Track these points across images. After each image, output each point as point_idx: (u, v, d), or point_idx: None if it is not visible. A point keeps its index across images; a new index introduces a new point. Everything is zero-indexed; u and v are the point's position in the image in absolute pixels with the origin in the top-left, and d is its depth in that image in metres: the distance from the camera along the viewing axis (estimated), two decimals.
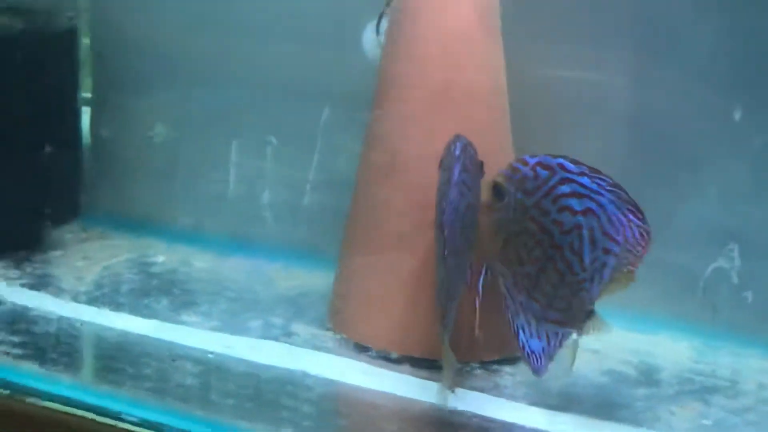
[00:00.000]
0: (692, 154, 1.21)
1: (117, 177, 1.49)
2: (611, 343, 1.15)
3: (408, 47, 1.16)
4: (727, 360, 1.18)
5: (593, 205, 0.98)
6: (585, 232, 0.99)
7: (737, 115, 1.17)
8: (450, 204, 1.01)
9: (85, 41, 1.48)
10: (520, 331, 1.02)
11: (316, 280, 1.30)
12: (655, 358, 1.18)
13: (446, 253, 1.01)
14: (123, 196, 1.49)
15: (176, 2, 1.43)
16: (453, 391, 1.03)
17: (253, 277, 1.36)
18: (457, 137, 1.04)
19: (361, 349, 1.15)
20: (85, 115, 1.50)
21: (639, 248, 0.99)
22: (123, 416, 0.99)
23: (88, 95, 1.50)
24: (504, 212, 1.02)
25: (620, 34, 1.23)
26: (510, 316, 1.03)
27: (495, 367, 1.13)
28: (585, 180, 0.99)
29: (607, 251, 0.99)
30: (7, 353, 1.10)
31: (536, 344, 1.02)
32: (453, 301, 1.03)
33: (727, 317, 1.20)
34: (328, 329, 1.20)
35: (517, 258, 1.02)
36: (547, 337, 1.02)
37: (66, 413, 1.00)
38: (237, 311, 1.24)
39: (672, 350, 1.19)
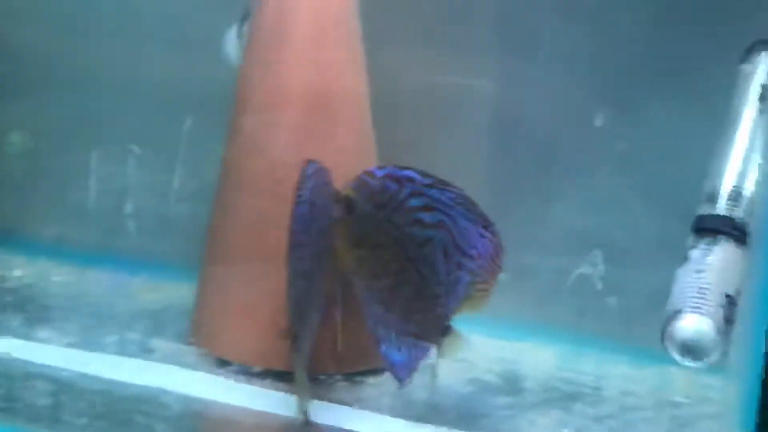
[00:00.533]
0: (557, 160, 1.22)
1: None
2: (477, 351, 1.15)
3: (269, 52, 1.15)
4: (591, 367, 1.19)
5: (445, 219, 0.98)
6: (438, 246, 0.99)
7: (599, 121, 1.19)
8: (298, 225, 1.00)
9: None
10: (381, 343, 1.02)
11: (181, 293, 1.27)
12: (520, 365, 1.19)
13: (294, 275, 1.00)
14: None
15: (34, 7, 1.41)
16: (306, 414, 1.02)
17: (115, 290, 1.33)
18: (310, 161, 1.03)
19: (222, 363, 1.13)
20: None
21: (492, 263, 0.99)
22: None
23: None
24: (356, 226, 1.02)
25: (485, 39, 1.24)
26: (370, 327, 1.02)
27: (359, 378, 1.12)
28: (434, 193, 0.98)
29: (460, 266, 0.99)
30: None
31: (397, 356, 1.02)
32: (305, 325, 1.02)
33: (592, 324, 1.22)
34: (189, 344, 1.18)
35: (372, 271, 1.02)
36: (408, 348, 1.02)
37: None
38: (95, 327, 1.22)
39: (537, 357, 1.21)
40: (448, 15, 1.24)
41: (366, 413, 1.06)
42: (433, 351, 1.02)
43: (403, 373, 1.02)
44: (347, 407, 1.07)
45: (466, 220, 0.98)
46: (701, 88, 1.15)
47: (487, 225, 0.98)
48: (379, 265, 1.01)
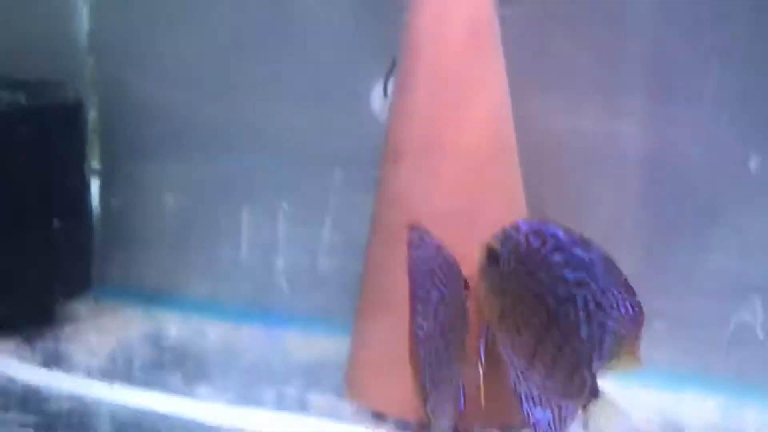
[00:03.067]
0: (710, 204, 1.26)
1: (128, 248, 1.57)
2: (636, 401, 1.18)
3: (414, 105, 1.21)
4: (754, 416, 1.21)
5: (587, 277, 1.01)
6: (579, 304, 1.01)
7: (754, 163, 1.23)
8: (419, 291, 1.06)
9: (92, 113, 1.56)
10: (524, 400, 1.05)
11: (334, 347, 1.33)
12: (681, 416, 1.21)
13: (421, 339, 1.05)
14: (134, 267, 1.57)
15: (181, 70, 1.52)
16: None
17: (269, 346, 1.41)
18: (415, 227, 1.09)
19: (378, 417, 1.18)
20: (94, 186, 1.57)
21: (634, 325, 1.00)
22: None
23: (97, 166, 1.57)
24: (499, 277, 1.07)
25: (631, 81, 1.29)
26: (512, 383, 1.06)
27: None
28: (577, 250, 1.01)
29: (602, 325, 1.01)
30: None
31: (540, 413, 1.04)
32: (437, 389, 1.06)
33: (753, 372, 1.24)
34: (344, 398, 1.23)
35: (515, 325, 1.05)
36: (552, 407, 1.04)
37: None
38: (252, 383, 1.30)
39: (698, 408, 1.23)
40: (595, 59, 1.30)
41: None
42: (581, 413, 1.04)
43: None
44: None
45: (607, 280, 1.00)
46: None
47: (627, 285, 1.00)
48: (521, 319, 1.04)
